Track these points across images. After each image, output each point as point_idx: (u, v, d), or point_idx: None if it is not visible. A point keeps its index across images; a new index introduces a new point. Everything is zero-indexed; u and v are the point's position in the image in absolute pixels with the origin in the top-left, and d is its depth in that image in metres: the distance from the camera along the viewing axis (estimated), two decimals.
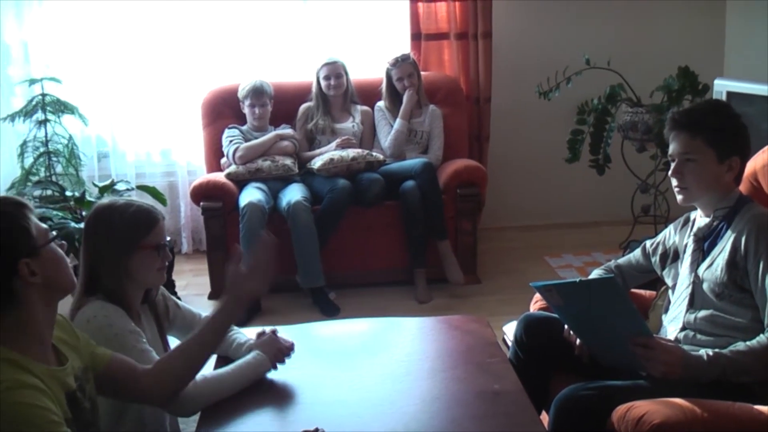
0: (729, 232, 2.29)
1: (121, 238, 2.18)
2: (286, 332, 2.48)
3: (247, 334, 2.49)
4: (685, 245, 2.44)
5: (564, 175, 5.47)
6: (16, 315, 1.69)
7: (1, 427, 1.55)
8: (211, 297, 4.62)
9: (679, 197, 2.39)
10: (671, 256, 2.51)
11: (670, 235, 2.55)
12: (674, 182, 2.38)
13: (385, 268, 4.76)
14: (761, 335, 2.14)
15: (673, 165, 2.37)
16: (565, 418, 2.17)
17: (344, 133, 4.86)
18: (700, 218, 2.42)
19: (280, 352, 2.35)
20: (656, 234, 2.68)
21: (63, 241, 1.83)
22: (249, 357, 2.30)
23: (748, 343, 2.14)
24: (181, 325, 2.47)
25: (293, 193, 4.47)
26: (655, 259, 2.57)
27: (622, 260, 2.72)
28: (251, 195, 4.41)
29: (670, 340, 2.27)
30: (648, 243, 2.63)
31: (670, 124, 2.37)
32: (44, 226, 1.78)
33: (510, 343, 2.70)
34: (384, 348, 2.59)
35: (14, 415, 1.56)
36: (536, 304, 2.80)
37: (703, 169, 2.30)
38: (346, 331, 2.87)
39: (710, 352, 2.14)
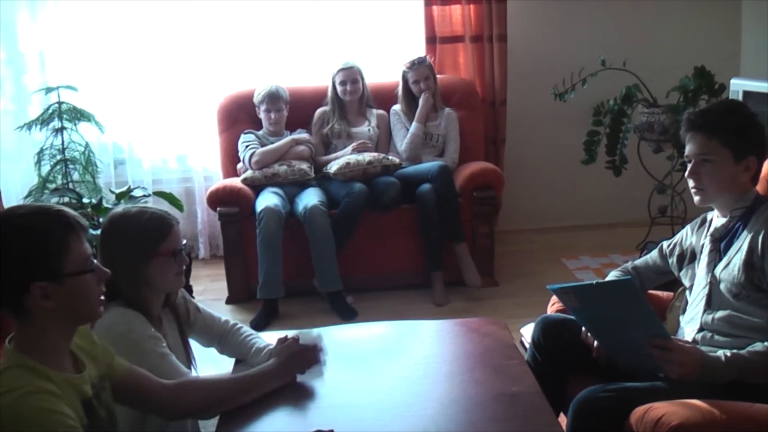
0: (745, 232, 2.28)
1: (137, 248, 2.19)
2: (304, 336, 2.49)
3: (267, 338, 2.50)
4: (702, 246, 2.43)
5: (580, 176, 5.47)
6: (30, 327, 1.68)
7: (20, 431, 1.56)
8: (228, 302, 4.63)
9: (696, 198, 2.38)
10: (688, 257, 2.50)
11: (686, 235, 2.54)
12: (691, 183, 2.37)
13: (402, 272, 4.77)
14: None
15: (689, 166, 2.36)
16: (584, 420, 2.17)
17: (360, 137, 4.87)
18: (716, 218, 2.41)
19: (300, 362, 2.34)
20: (673, 235, 2.67)
21: (107, 271, 1.80)
22: (271, 366, 2.29)
23: (766, 343, 2.13)
24: (202, 328, 2.49)
25: (310, 198, 4.47)
26: (672, 260, 2.56)
27: (639, 262, 2.71)
28: (268, 200, 4.42)
29: (687, 342, 2.26)
30: (665, 244, 2.63)
31: (686, 125, 2.36)
32: (88, 252, 1.73)
33: (527, 346, 2.70)
34: (402, 351, 2.60)
35: (33, 419, 1.57)
36: (553, 306, 2.79)
37: (719, 169, 2.29)
38: (364, 334, 2.86)
39: (728, 353, 2.13)
